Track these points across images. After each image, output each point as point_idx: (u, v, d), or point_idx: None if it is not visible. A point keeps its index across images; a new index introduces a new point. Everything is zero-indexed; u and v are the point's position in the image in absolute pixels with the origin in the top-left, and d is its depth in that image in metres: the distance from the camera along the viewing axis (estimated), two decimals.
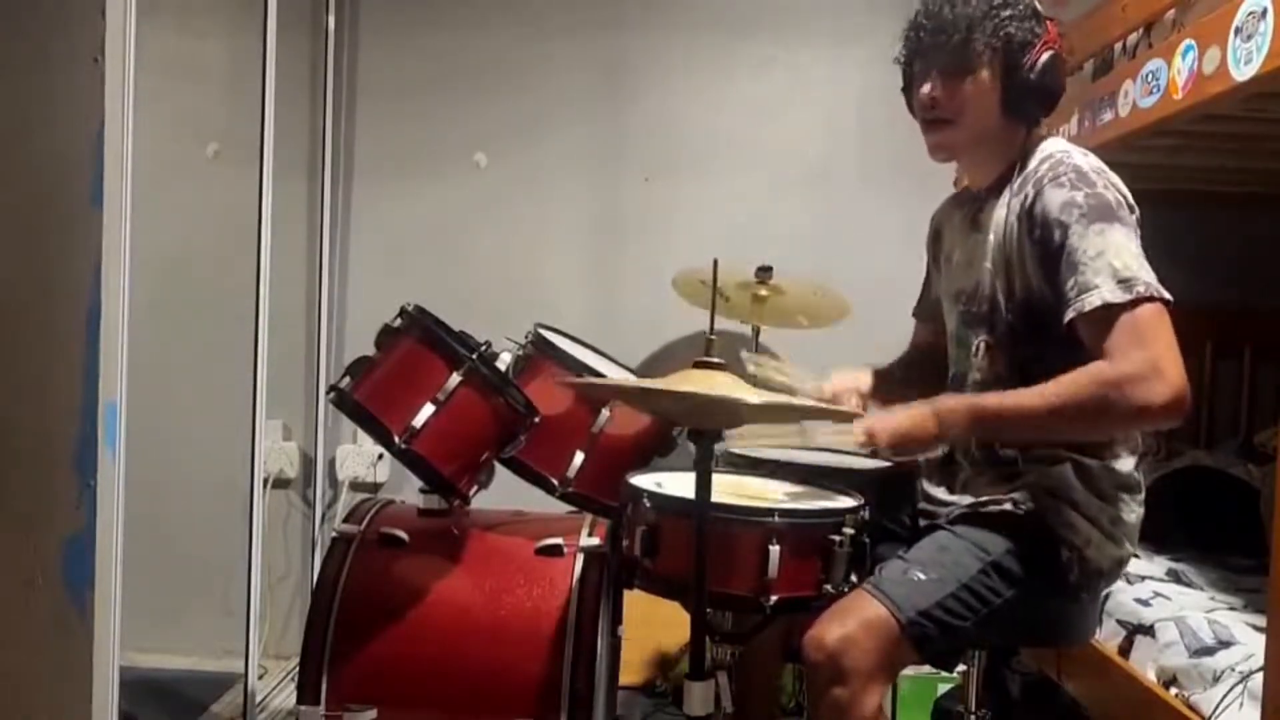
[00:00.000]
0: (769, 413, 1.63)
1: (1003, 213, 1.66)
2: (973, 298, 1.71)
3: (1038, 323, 1.60)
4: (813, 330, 2.93)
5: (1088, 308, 1.49)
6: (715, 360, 1.55)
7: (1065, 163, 1.59)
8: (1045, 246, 1.56)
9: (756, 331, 2.91)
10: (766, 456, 2.18)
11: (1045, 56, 1.63)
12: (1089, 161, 1.61)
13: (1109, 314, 1.48)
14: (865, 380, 1.91)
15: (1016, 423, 1.56)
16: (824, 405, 1.79)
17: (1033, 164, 1.64)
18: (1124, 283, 1.48)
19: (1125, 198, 1.58)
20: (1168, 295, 1.50)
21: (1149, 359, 1.44)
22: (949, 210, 1.88)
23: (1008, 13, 1.63)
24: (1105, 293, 1.48)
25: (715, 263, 1.79)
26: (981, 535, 1.63)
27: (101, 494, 1.60)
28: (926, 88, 1.67)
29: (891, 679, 1.60)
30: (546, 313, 2.34)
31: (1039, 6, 1.66)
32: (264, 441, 2.45)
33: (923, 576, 1.57)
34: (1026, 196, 1.61)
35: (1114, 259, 1.49)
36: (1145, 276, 1.49)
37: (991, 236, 1.67)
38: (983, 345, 1.69)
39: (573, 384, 2.02)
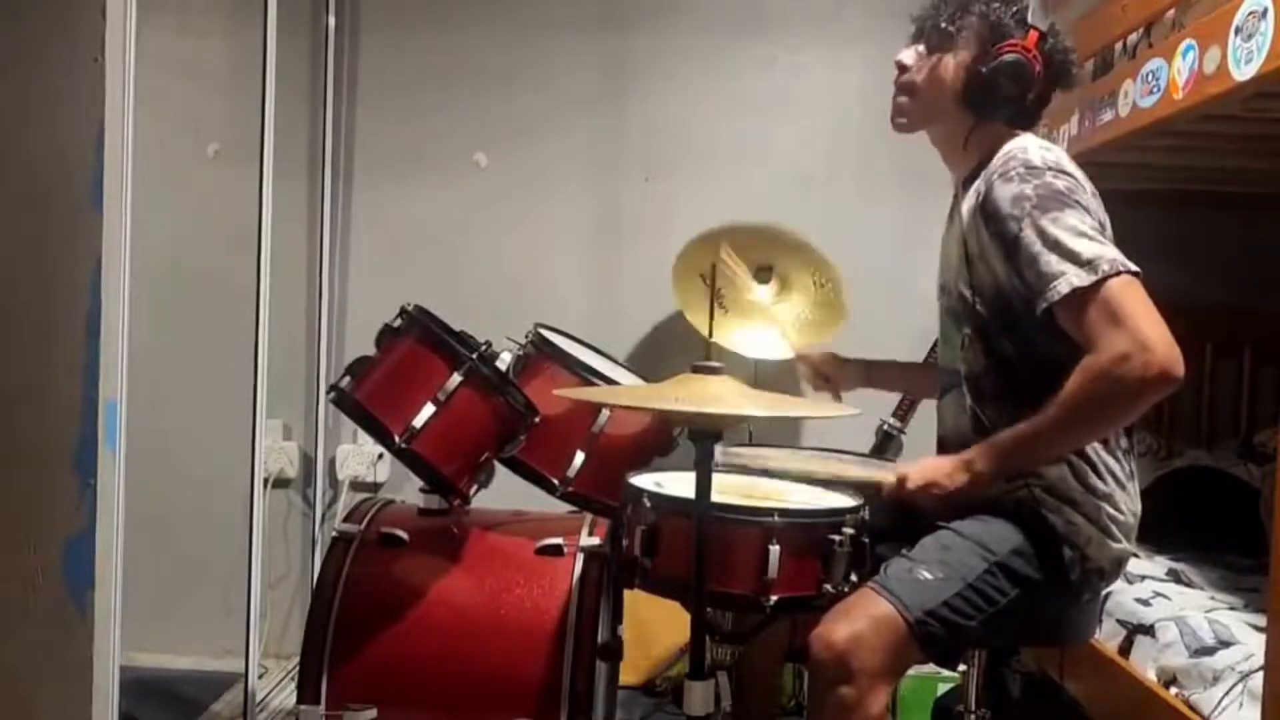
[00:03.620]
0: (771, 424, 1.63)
1: (963, 207, 1.69)
2: (945, 290, 1.75)
3: (1011, 313, 1.62)
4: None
5: (1058, 296, 1.50)
6: (713, 365, 1.55)
7: (1017, 157, 1.62)
8: (1003, 240, 1.58)
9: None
10: None
11: (1005, 56, 1.65)
12: (1045, 155, 1.62)
13: (1080, 298, 1.49)
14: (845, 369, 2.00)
15: (1035, 442, 1.57)
16: (824, 414, 1.81)
17: (994, 160, 1.67)
18: (1088, 264, 1.49)
19: (1080, 183, 1.60)
20: (1134, 267, 1.51)
21: (1131, 335, 1.45)
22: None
23: (995, 5, 1.68)
24: (1072, 278, 1.49)
25: (714, 267, 1.80)
26: (984, 534, 1.63)
27: (101, 494, 1.61)
28: (901, 55, 1.75)
29: (897, 679, 1.60)
30: (546, 313, 2.34)
31: (1030, 15, 1.69)
32: (264, 441, 2.45)
33: (929, 576, 1.57)
34: (979, 192, 1.64)
35: (1072, 244, 1.51)
36: (1108, 254, 1.50)
37: (956, 229, 1.70)
38: (967, 338, 1.70)
39: (572, 395, 2.01)
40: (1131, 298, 1.48)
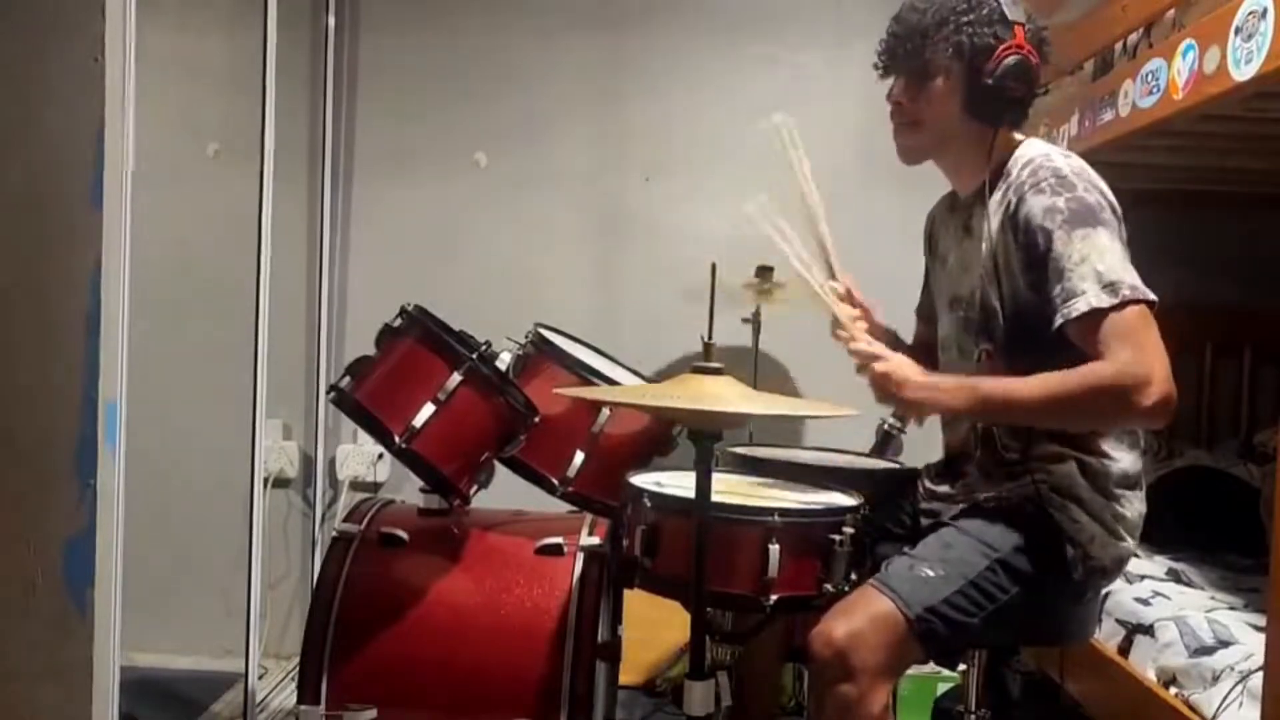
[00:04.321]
0: (767, 419, 1.63)
1: (990, 220, 1.67)
2: (969, 305, 1.73)
3: (1029, 329, 1.61)
4: (814, 326, 2.92)
5: (1075, 314, 1.50)
6: (713, 365, 1.55)
7: (1045, 167, 1.60)
8: (1030, 253, 1.58)
9: (757, 314, 2.90)
10: (766, 456, 2.18)
11: (1007, 61, 1.64)
12: (1070, 164, 1.62)
13: (1096, 318, 1.49)
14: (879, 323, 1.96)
15: (1011, 407, 1.58)
16: (823, 414, 1.80)
17: (1014, 170, 1.66)
18: (1109, 286, 1.49)
19: (1107, 198, 1.59)
20: (1152, 296, 1.51)
21: (1140, 363, 1.46)
22: (943, 211, 1.89)
23: (968, 18, 1.65)
24: (1091, 298, 1.49)
25: (714, 267, 1.80)
26: (986, 532, 1.63)
27: (101, 494, 1.61)
28: (892, 92, 1.74)
29: (898, 676, 1.60)
30: (546, 313, 2.34)
31: (1008, 12, 1.65)
32: (264, 441, 2.45)
33: (930, 573, 1.57)
34: (1010, 204, 1.63)
35: (1098, 263, 1.51)
36: (1130, 279, 1.51)
37: (984, 245, 1.68)
38: (984, 354, 1.69)
39: (571, 394, 2.01)
40: (1145, 329, 1.49)
